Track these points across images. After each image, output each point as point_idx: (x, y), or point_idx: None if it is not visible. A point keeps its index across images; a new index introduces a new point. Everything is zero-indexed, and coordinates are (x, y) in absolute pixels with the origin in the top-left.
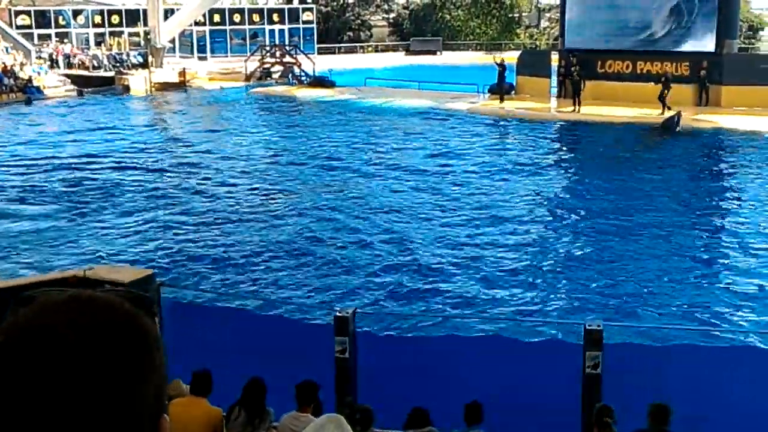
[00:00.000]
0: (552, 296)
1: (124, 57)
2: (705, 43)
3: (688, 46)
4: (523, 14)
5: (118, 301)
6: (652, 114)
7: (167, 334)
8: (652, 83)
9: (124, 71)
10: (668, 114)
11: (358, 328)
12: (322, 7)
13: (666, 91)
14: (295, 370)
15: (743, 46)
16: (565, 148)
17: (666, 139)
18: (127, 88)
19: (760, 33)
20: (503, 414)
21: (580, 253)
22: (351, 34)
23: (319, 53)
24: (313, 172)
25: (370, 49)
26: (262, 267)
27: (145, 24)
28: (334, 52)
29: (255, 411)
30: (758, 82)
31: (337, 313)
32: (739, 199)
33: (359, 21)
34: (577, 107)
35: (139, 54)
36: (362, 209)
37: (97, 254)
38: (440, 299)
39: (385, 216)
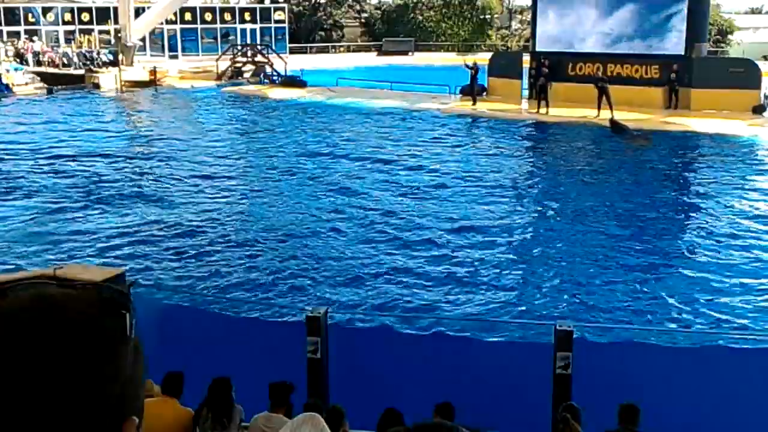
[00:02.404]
0: (525, 296)
1: (95, 55)
2: (675, 46)
3: (658, 50)
4: (495, 16)
5: (81, 300)
6: (608, 116)
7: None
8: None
9: (94, 69)
10: (607, 117)
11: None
12: (294, 7)
13: (604, 94)
14: (270, 371)
15: (713, 49)
16: (534, 149)
17: (645, 144)
18: (97, 86)
19: (730, 37)
20: (475, 414)
21: (551, 252)
22: (323, 33)
23: (290, 53)
24: (285, 170)
25: (342, 49)
26: (238, 266)
27: (116, 22)
28: (305, 52)
29: (222, 410)
30: (727, 86)
31: (309, 313)
32: (706, 199)
33: (331, 21)
34: (546, 109)
35: (109, 52)
36: (334, 206)
37: (67, 253)
38: (412, 297)
39: (358, 215)
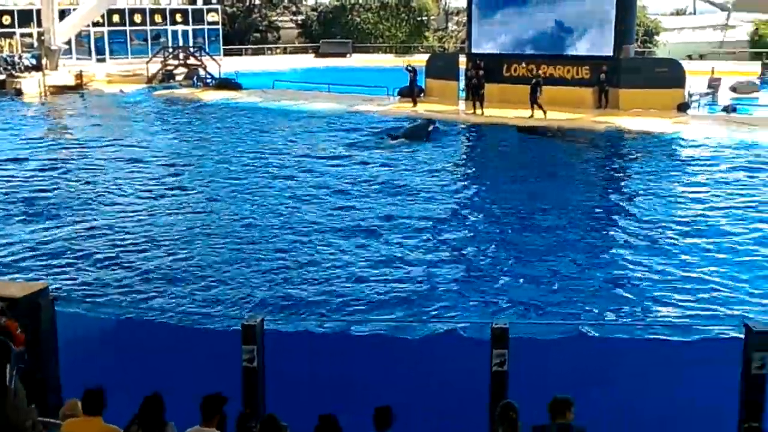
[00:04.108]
0: (462, 295)
1: (16, 59)
2: (604, 48)
3: (588, 51)
4: (432, 17)
5: None
6: (546, 117)
7: (64, 349)
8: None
9: (16, 74)
10: (421, 121)
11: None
12: (227, 8)
13: (538, 94)
14: (206, 381)
15: (640, 50)
16: (468, 149)
17: (581, 143)
18: (19, 93)
19: (656, 38)
20: (414, 416)
21: (484, 251)
22: (258, 35)
23: (225, 55)
24: (216, 174)
25: (278, 50)
26: (169, 276)
27: (39, 24)
28: (240, 54)
29: (153, 427)
30: (653, 85)
31: (245, 322)
32: (636, 194)
33: (266, 22)
34: (481, 110)
35: (32, 56)
36: (266, 211)
37: None
38: (348, 299)
39: (290, 218)
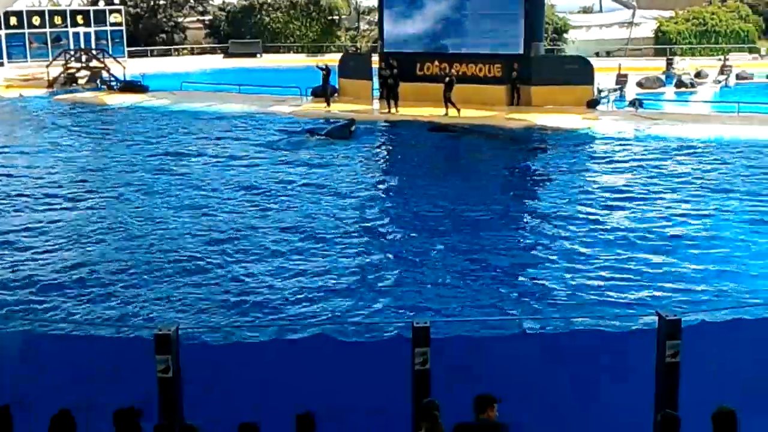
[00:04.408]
0: (379, 296)
1: None
2: (515, 45)
3: (500, 49)
4: (343, 16)
5: None
6: (459, 114)
7: None
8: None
9: None
10: (343, 120)
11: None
12: (131, 9)
13: (449, 92)
14: (119, 393)
15: (550, 47)
16: (384, 148)
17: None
18: None
19: (565, 35)
20: (336, 419)
21: (401, 251)
22: (164, 36)
23: (129, 57)
24: (121, 180)
25: (185, 51)
26: (77, 285)
27: None
28: (146, 56)
29: None
30: (564, 82)
31: (158, 331)
32: (548, 190)
33: (172, 23)
34: (396, 108)
35: None
36: (177, 215)
37: None
38: (265, 305)
39: (198, 222)
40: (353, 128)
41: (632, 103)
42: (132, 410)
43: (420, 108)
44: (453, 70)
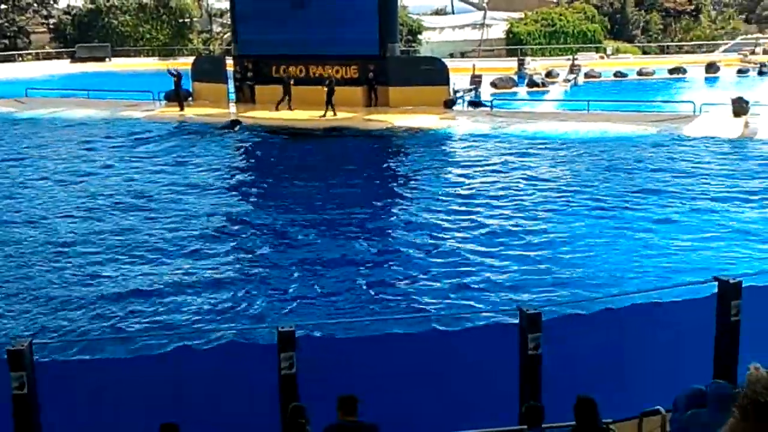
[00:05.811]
0: (243, 302)
1: None
2: (370, 46)
3: (356, 51)
4: (195, 19)
5: None
6: (317, 115)
7: None
8: (322, 86)
9: None
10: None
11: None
12: None
13: (331, 94)
14: None
15: (405, 49)
16: (240, 152)
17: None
18: None
19: (419, 36)
20: (205, 428)
21: (265, 254)
22: (6, 41)
23: None
24: None
25: (29, 57)
26: None
27: None
28: None
29: None
30: (420, 83)
31: (10, 347)
32: (410, 188)
33: (15, 27)
34: (289, 107)
35: None
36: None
37: None
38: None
39: (65, 230)
40: (237, 128)
41: (479, 103)
42: None
43: (279, 111)
44: (310, 73)
